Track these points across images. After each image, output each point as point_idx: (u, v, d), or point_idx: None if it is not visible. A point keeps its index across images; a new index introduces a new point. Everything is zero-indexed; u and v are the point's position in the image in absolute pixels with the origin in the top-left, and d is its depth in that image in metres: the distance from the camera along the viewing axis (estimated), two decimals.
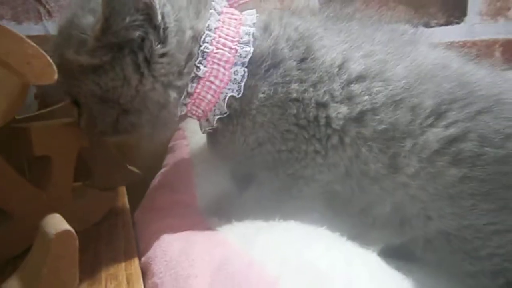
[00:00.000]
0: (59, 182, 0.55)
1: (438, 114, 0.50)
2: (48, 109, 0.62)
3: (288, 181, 0.54)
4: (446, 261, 0.51)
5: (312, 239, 0.42)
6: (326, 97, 0.51)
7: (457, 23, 1.15)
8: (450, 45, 1.17)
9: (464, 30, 1.15)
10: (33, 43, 0.36)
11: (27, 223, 0.50)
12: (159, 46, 0.47)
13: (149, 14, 0.46)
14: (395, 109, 0.50)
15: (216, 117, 0.54)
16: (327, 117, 0.51)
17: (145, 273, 0.46)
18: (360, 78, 0.51)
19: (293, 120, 0.51)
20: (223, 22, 0.53)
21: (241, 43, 0.52)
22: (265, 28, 0.54)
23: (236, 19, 0.54)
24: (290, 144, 0.53)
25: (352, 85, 0.51)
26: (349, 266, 0.38)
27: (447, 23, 1.14)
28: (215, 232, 0.51)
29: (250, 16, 0.55)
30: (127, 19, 0.45)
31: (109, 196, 0.63)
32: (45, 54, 0.36)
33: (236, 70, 0.51)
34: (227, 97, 0.52)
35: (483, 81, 0.52)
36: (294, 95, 0.51)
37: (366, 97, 0.50)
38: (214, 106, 0.53)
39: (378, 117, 0.50)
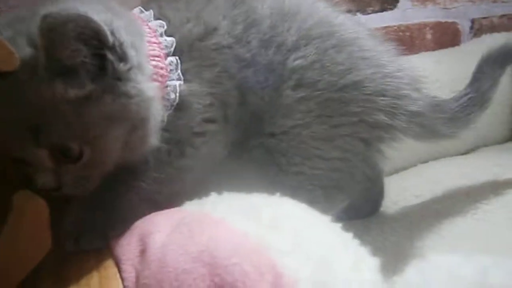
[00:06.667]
0: None
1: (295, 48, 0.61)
2: None
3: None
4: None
5: (254, 193, 0.48)
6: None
7: (391, 9, 1.22)
8: (386, 29, 1.27)
9: (397, 16, 1.23)
10: None
11: None
12: (121, 64, 0.46)
13: (100, 39, 0.44)
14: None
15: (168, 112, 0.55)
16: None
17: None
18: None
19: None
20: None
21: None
22: None
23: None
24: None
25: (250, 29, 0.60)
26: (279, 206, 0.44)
27: (381, 10, 1.21)
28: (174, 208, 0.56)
29: (161, 28, 0.57)
30: (69, 48, 0.43)
31: None
32: (6, 43, 0.40)
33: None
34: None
35: (344, 24, 0.64)
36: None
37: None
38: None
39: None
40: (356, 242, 0.37)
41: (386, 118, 0.62)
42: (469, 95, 0.73)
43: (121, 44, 0.46)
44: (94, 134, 0.46)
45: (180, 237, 0.40)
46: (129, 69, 0.47)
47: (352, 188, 0.69)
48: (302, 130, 0.62)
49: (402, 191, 0.90)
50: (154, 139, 0.53)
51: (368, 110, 0.62)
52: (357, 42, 0.63)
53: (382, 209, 0.86)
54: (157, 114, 0.52)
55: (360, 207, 0.81)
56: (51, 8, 0.42)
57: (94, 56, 0.45)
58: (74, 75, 0.44)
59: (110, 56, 0.45)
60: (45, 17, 0.41)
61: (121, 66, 0.46)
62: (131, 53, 0.47)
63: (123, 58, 0.46)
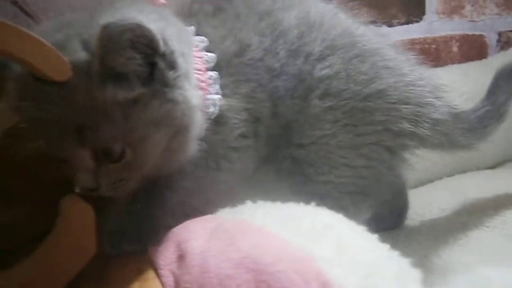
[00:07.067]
0: None
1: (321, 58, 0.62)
2: None
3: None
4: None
5: (290, 202, 0.49)
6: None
7: (417, 21, 1.22)
8: (412, 42, 1.27)
9: (423, 28, 1.23)
10: (49, 44, 0.41)
11: None
12: (170, 72, 0.47)
13: (152, 48, 0.45)
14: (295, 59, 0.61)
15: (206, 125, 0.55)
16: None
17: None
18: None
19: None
20: None
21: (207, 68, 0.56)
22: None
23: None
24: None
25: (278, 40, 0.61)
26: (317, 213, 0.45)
27: (407, 22, 1.21)
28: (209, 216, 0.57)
29: (202, 43, 0.57)
30: (124, 56, 0.44)
31: None
32: (60, 53, 0.41)
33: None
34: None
35: (365, 34, 0.65)
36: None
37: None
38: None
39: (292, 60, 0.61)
40: (396, 253, 0.37)
41: (410, 126, 0.63)
42: (486, 108, 0.73)
43: (171, 53, 0.47)
44: (138, 137, 0.47)
45: (220, 244, 0.41)
46: (178, 77, 0.48)
47: (378, 194, 0.70)
48: (330, 140, 0.63)
49: (427, 204, 0.89)
50: (193, 149, 0.54)
51: (393, 118, 0.63)
52: (379, 52, 0.64)
53: (407, 221, 0.86)
54: (198, 123, 0.53)
55: (385, 219, 0.82)
56: (109, 17, 0.43)
57: (146, 63, 0.46)
58: (125, 80, 0.45)
59: (161, 64, 0.46)
60: (105, 27, 0.42)
61: (171, 74, 0.47)
62: (180, 61, 0.48)
63: (172, 66, 0.47)
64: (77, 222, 0.44)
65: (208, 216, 0.53)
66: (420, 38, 1.24)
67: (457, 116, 0.69)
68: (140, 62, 0.45)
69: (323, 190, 0.64)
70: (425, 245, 0.77)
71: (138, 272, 0.46)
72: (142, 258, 0.48)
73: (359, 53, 0.63)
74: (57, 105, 0.44)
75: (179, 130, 0.50)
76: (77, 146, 0.45)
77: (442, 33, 1.26)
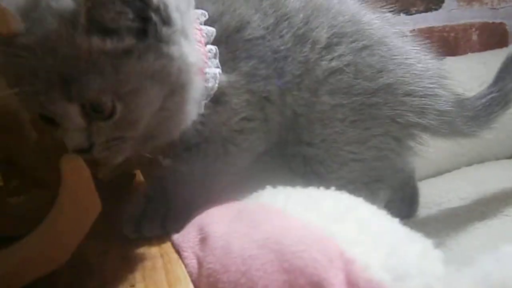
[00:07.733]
0: None
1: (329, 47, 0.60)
2: None
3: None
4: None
5: (310, 187, 0.49)
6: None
7: (436, 9, 1.21)
8: (431, 30, 1.25)
9: (442, 16, 1.21)
10: None
11: None
12: (164, 28, 0.45)
13: (145, 1, 0.43)
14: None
15: (205, 102, 0.54)
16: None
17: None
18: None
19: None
20: None
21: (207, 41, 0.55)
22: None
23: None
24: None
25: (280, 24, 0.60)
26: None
27: (426, 10, 1.20)
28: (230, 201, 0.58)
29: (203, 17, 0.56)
30: (113, 10, 0.41)
31: None
32: (5, 6, 0.39)
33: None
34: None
35: (372, 22, 0.63)
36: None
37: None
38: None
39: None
40: (418, 234, 0.38)
41: (416, 118, 0.63)
42: (492, 95, 0.72)
43: (166, 7, 0.44)
44: (129, 89, 0.44)
45: (242, 226, 0.42)
46: (173, 33, 0.45)
47: (392, 178, 0.70)
48: (338, 137, 0.62)
49: (445, 193, 0.90)
50: (191, 114, 0.51)
51: (400, 112, 0.63)
52: (386, 42, 0.63)
53: (425, 210, 0.86)
54: (196, 85, 0.50)
55: (397, 208, 0.81)
56: None
57: (138, 17, 0.43)
58: (114, 33, 0.42)
59: (154, 18, 0.43)
60: None
61: (165, 30, 0.44)
62: (175, 16, 0.45)
63: (167, 21, 0.45)
64: (74, 178, 0.41)
65: (230, 203, 0.53)
66: (439, 27, 1.22)
67: (461, 104, 0.69)
68: (131, 17, 0.42)
69: (337, 185, 0.64)
70: (443, 233, 0.77)
71: (162, 253, 0.47)
72: (164, 240, 0.49)
73: (368, 44, 0.61)
74: (38, 55, 0.41)
75: (176, 88, 0.47)
76: (65, 101, 0.43)
77: (462, 21, 1.24)
